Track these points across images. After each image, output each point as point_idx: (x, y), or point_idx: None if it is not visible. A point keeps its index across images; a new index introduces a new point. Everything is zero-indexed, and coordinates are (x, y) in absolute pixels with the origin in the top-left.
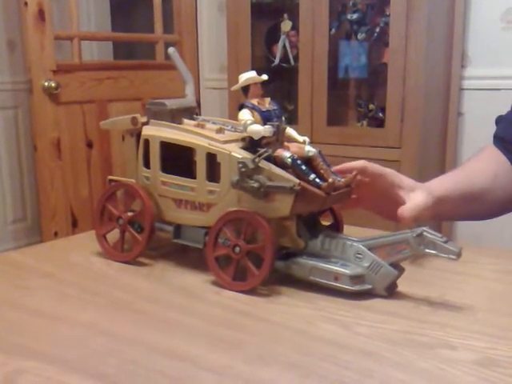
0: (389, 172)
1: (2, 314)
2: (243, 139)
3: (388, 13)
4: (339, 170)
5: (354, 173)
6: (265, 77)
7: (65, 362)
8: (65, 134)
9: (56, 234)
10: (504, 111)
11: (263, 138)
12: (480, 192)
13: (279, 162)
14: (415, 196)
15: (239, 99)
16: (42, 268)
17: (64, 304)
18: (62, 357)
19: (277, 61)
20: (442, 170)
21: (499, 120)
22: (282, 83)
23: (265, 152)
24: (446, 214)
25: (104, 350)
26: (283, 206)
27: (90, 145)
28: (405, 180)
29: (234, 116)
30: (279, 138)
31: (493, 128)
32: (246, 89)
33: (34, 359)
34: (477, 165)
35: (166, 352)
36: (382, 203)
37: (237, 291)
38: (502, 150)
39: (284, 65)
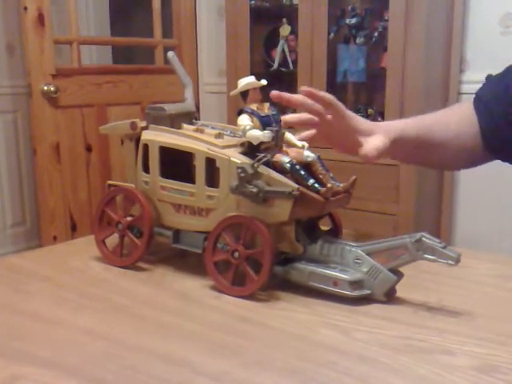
0: (348, 115)
1: (0, 318)
2: (242, 144)
3: (386, 17)
4: (308, 93)
5: (353, 178)
6: (264, 82)
7: (63, 366)
8: (64, 138)
9: (55, 237)
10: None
11: (262, 143)
12: (435, 144)
13: (278, 167)
14: (374, 140)
15: (238, 103)
16: (41, 272)
17: (63, 308)
18: (60, 362)
19: (276, 65)
20: (440, 174)
21: (486, 79)
22: (280, 87)
23: (264, 157)
24: (398, 155)
25: (103, 355)
26: (282, 211)
27: (89, 149)
28: (362, 124)
29: (232, 120)
30: (278, 143)
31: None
32: (245, 94)
33: (32, 364)
34: (443, 118)
35: (164, 357)
36: (341, 142)
37: (236, 296)
38: (476, 110)
39: (283, 69)
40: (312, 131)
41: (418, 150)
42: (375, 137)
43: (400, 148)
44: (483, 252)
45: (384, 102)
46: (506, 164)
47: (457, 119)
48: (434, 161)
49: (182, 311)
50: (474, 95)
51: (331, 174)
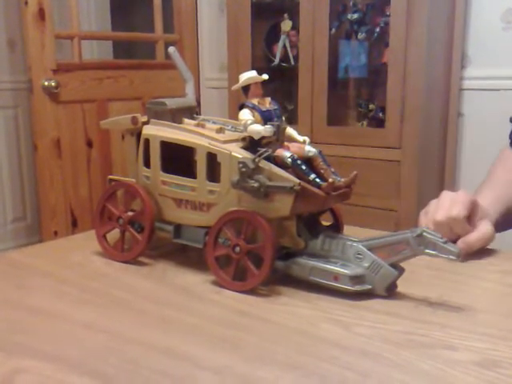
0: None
1: (1, 313)
2: (243, 139)
3: (388, 13)
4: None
5: (354, 173)
6: (265, 76)
7: (64, 361)
8: (65, 134)
9: (56, 233)
10: (504, 111)
11: (263, 137)
12: None
13: (279, 162)
14: (482, 227)
15: (239, 99)
16: (42, 267)
17: (64, 303)
18: (61, 356)
19: (277, 60)
20: (441, 170)
21: None
22: (282, 83)
23: (265, 152)
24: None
25: (104, 349)
26: (283, 205)
27: (90, 144)
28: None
29: (234, 115)
30: (279, 138)
31: (492, 128)
32: (246, 88)
33: (34, 358)
34: (509, 177)
35: (165, 351)
36: None
37: (237, 291)
38: None
39: (284, 64)
40: None
41: (505, 219)
42: (484, 223)
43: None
44: (484, 247)
45: (385, 98)
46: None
47: None
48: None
49: (183, 306)
50: (510, 141)
51: (332, 169)
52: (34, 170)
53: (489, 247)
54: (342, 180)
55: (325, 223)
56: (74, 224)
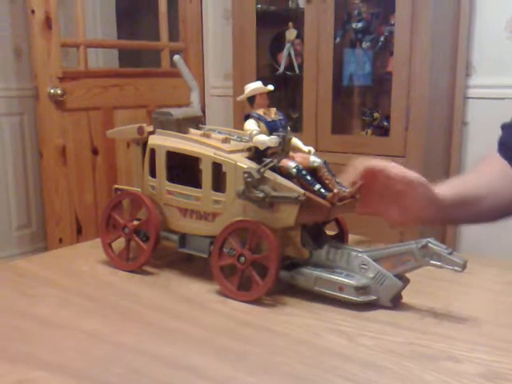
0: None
1: (7, 321)
2: (249, 149)
3: (393, 22)
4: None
5: (359, 183)
6: (270, 87)
7: (69, 370)
8: (70, 141)
9: (61, 240)
10: (508, 120)
11: (269, 148)
12: (474, 199)
13: (284, 172)
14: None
15: (244, 107)
16: (47, 276)
17: (69, 312)
18: (66, 365)
19: (282, 69)
20: (446, 178)
21: (503, 126)
22: (286, 91)
23: (270, 162)
24: (447, 216)
25: (108, 358)
26: (288, 216)
27: (95, 152)
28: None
29: (238, 123)
30: (285, 149)
31: (497, 137)
32: (251, 99)
33: (39, 368)
34: (474, 174)
35: (169, 361)
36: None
37: (241, 301)
38: (503, 155)
39: (289, 73)
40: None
41: (462, 208)
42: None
43: (448, 208)
44: (490, 258)
45: (390, 106)
46: None
47: (486, 169)
48: (479, 215)
49: (187, 315)
50: (498, 146)
51: (337, 180)
52: (39, 177)
53: (494, 257)
54: (347, 190)
55: (329, 233)
56: (79, 231)
